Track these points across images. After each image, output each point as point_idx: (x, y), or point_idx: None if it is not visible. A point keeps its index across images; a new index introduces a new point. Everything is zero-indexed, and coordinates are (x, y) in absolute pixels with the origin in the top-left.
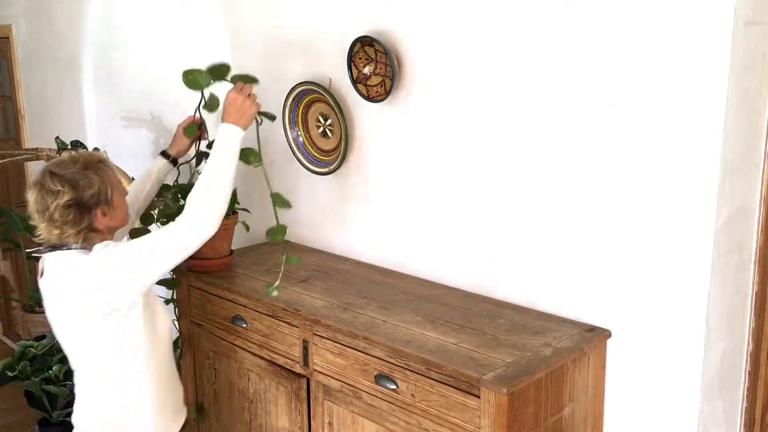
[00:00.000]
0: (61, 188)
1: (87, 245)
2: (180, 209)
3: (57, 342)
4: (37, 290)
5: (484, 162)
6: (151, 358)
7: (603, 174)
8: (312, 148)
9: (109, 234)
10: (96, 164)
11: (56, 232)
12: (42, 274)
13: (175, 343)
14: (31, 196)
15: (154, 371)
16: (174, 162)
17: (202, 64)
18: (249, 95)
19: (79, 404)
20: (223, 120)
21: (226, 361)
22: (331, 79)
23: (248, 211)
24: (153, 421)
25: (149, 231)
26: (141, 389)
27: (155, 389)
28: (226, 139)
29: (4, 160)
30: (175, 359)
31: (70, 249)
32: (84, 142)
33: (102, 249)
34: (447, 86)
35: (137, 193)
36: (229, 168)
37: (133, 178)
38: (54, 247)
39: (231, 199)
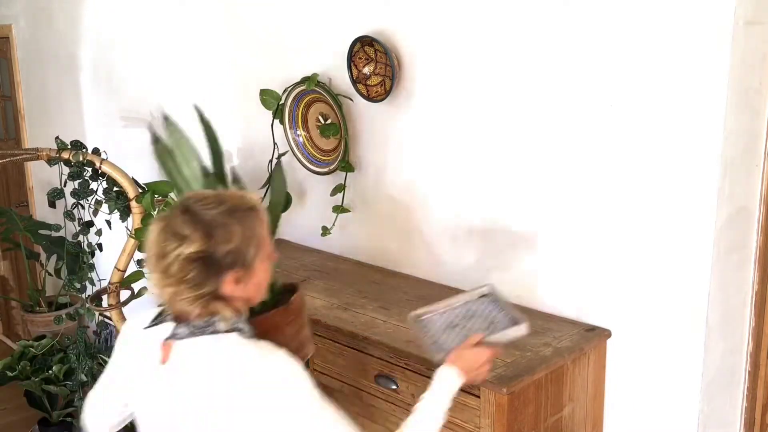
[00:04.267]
0: (189, 233)
1: (217, 321)
2: None
3: (57, 342)
4: (37, 290)
5: (484, 162)
6: None
7: (603, 174)
8: (312, 148)
9: (237, 308)
10: (245, 211)
11: (170, 290)
12: (166, 360)
13: None
14: (151, 234)
15: None
16: None
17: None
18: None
19: None
20: (451, 360)
21: None
22: (330, 79)
23: None
24: None
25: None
26: None
27: None
28: (449, 390)
29: (4, 160)
30: None
31: (217, 333)
32: (84, 142)
33: (291, 367)
34: (447, 86)
35: None
36: (440, 421)
37: (134, 179)
38: (193, 331)
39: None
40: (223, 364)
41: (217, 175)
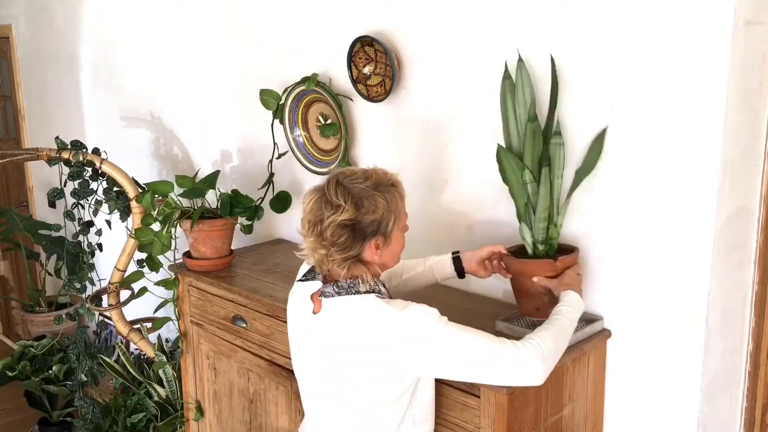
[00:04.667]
0: (342, 203)
1: (359, 283)
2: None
3: (57, 342)
4: (37, 290)
5: (483, 162)
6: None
7: (602, 174)
8: (312, 148)
9: (375, 272)
10: (387, 186)
11: (322, 251)
12: (318, 311)
13: (176, 343)
14: (308, 203)
15: None
16: (461, 275)
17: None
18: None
19: None
20: (572, 288)
21: (226, 361)
22: (330, 79)
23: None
24: None
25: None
26: None
27: None
28: (578, 308)
29: (4, 160)
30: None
31: (358, 293)
32: (84, 142)
33: (423, 316)
34: (447, 86)
35: (403, 269)
36: (570, 334)
37: (134, 179)
38: (339, 291)
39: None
40: (363, 320)
41: (547, 122)
